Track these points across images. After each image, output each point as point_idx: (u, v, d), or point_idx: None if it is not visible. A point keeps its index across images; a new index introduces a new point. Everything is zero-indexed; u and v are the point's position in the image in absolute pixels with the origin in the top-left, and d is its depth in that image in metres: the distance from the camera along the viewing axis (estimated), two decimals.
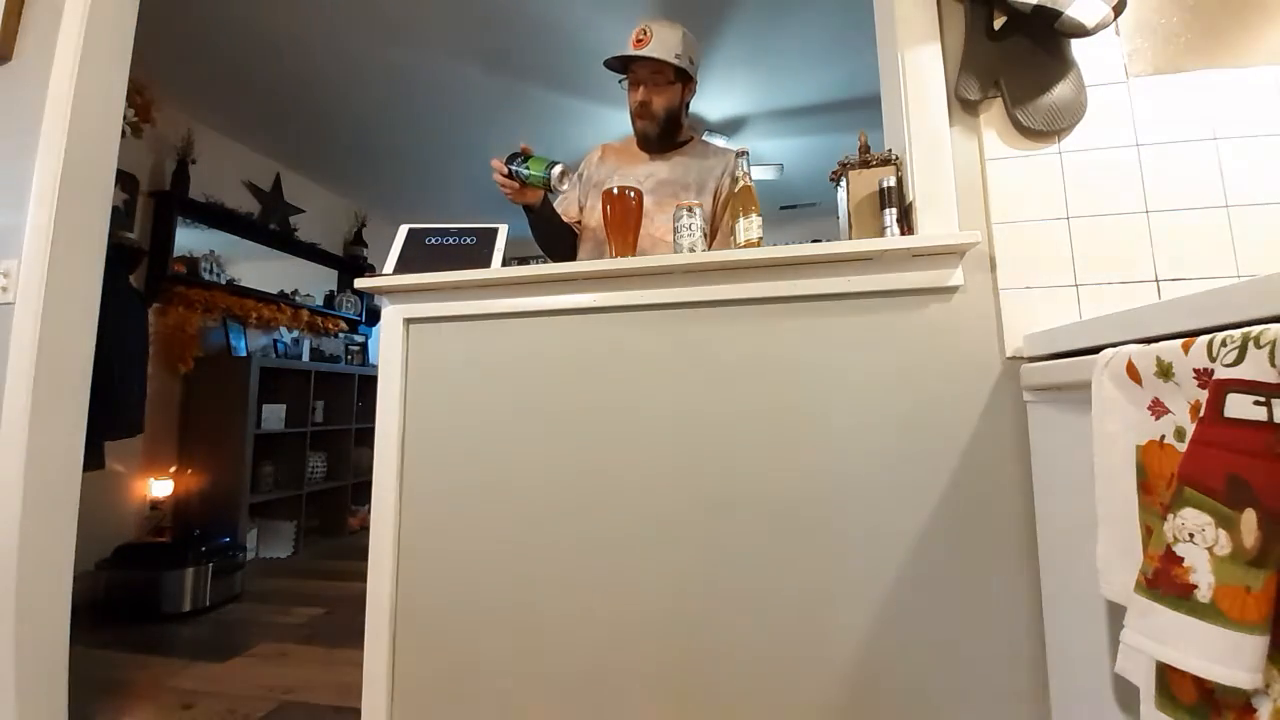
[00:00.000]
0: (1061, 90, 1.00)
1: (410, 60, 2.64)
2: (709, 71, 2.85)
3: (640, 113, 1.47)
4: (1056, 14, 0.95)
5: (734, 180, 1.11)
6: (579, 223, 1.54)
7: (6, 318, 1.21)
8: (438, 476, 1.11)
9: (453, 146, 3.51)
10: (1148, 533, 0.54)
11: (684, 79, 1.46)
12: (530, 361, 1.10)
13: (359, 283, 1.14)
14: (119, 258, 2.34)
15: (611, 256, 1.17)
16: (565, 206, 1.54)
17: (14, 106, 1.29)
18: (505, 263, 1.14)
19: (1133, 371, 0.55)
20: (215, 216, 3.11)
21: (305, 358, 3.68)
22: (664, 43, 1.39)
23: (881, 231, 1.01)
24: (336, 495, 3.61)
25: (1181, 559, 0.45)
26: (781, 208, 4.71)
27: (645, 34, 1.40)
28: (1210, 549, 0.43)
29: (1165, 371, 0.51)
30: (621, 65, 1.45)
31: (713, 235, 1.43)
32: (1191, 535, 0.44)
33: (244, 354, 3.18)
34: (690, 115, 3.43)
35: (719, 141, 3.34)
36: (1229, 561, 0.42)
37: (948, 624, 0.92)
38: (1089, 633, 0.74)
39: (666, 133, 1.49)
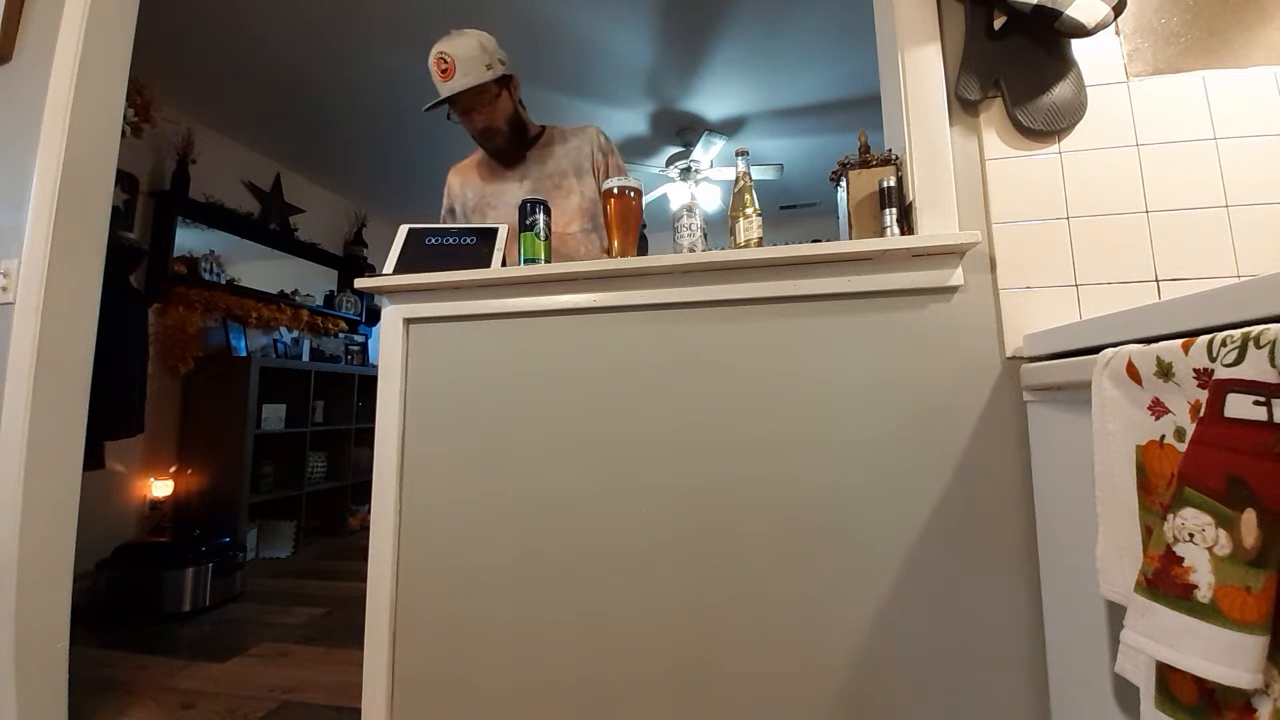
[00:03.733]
0: (1061, 90, 1.00)
1: (410, 60, 2.64)
2: (709, 71, 2.85)
3: (485, 137, 1.43)
4: (1056, 14, 0.95)
5: (734, 180, 1.11)
6: None
7: (6, 318, 1.21)
8: (438, 476, 1.11)
9: (453, 146, 3.50)
10: (1148, 533, 0.54)
11: (504, 83, 1.40)
12: (530, 361, 1.10)
13: (359, 283, 1.14)
14: (119, 258, 2.34)
15: (612, 256, 1.17)
16: None
17: (14, 106, 1.29)
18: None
19: (1133, 371, 0.55)
20: (215, 216, 3.11)
21: (305, 358, 3.68)
22: (467, 63, 1.32)
23: (881, 231, 1.01)
24: (336, 495, 3.60)
25: (1181, 559, 0.45)
26: (781, 208, 4.70)
27: (446, 61, 1.32)
28: (1210, 549, 0.43)
29: (1165, 371, 0.51)
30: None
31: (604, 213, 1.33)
32: (1191, 535, 0.44)
33: (244, 354, 3.17)
34: (690, 115, 3.41)
35: (717, 141, 3.33)
36: (1229, 561, 0.42)
37: (948, 624, 0.92)
38: (1089, 633, 0.75)
39: (517, 138, 1.47)
